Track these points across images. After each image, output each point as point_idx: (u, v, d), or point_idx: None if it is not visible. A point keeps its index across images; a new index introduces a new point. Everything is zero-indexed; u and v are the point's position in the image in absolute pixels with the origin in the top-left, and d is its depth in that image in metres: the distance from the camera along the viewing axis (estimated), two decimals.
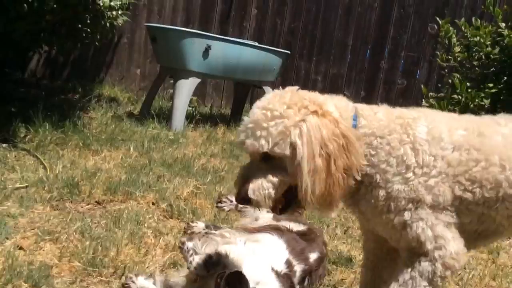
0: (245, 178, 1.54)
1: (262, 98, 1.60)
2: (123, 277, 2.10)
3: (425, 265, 1.55)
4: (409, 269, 1.58)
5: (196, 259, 1.92)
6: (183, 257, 2.06)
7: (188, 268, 1.95)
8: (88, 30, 4.55)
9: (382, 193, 1.54)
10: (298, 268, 2.12)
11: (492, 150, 1.57)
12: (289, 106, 1.51)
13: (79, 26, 4.46)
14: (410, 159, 1.53)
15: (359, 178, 1.53)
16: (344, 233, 3.04)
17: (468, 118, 1.71)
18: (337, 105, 1.60)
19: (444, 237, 1.54)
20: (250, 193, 1.51)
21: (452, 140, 1.57)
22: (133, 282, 2.04)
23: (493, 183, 1.55)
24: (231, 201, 2.76)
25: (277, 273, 1.94)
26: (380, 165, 1.55)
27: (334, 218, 3.21)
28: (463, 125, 1.62)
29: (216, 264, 1.92)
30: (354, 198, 1.63)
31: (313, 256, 2.22)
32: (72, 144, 3.75)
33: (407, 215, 1.53)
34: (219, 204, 2.76)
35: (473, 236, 1.64)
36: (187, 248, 1.98)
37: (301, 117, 1.49)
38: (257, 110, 1.53)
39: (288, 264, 2.07)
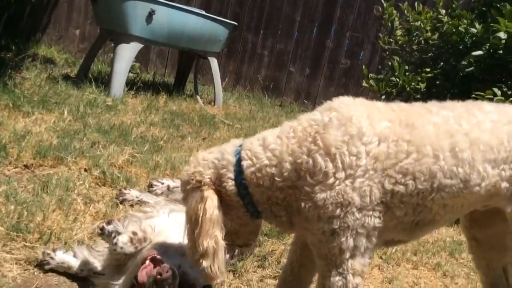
0: None
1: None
2: (40, 253, 2.01)
3: (335, 280, 1.57)
4: (322, 285, 1.61)
5: (121, 239, 1.86)
6: (106, 242, 1.97)
7: (114, 250, 1.87)
8: None
9: (308, 204, 1.51)
10: None
11: (423, 140, 1.53)
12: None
13: None
14: (326, 166, 1.48)
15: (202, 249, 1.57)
16: None
17: (396, 107, 1.65)
18: (220, 159, 1.61)
19: (359, 248, 1.55)
20: None
21: (375, 132, 1.52)
22: (52, 258, 1.96)
23: (427, 174, 1.53)
24: (162, 183, 2.73)
25: None
26: (293, 184, 1.53)
27: None
28: (388, 116, 1.57)
29: (143, 240, 1.89)
30: (287, 213, 1.61)
31: None
32: (1, 104, 3.54)
33: (336, 223, 1.50)
34: (151, 189, 2.72)
35: (410, 226, 1.64)
36: (108, 231, 1.89)
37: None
38: None
39: None
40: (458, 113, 1.64)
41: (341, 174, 1.48)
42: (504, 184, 1.64)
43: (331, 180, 1.48)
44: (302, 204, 1.53)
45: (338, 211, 1.49)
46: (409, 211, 1.58)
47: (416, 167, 1.52)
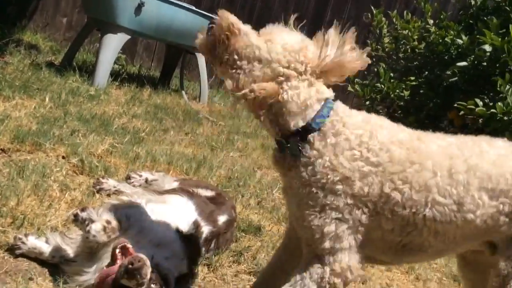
0: None
1: None
2: (12, 238, 1.96)
3: (315, 266, 1.59)
4: (302, 270, 1.62)
5: (94, 227, 1.82)
6: (79, 229, 1.94)
7: (87, 238, 1.84)
8: None
9: (319, 162, 1.56)
10: (206, 229, 2.12)
11: (427, 155, 1.61)
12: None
13: None
14: (354, 148, 1.59)
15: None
16: (258, 204, 3.09)
17: (410, 130, 1.74)
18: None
19: (342, 240, 1.57)
20: None
21: (392, 141, 1.61)
22: (23, 242, 1.91)
23: (423, 186, 1.58)
24: (140, 176, 2.70)
25: (181, 234, 1.92)
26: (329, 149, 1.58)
27: (249, 189, 3.24)
28: (406, 130, 1.69)
29: (116, 229, 1.86)
30: (290, 173, 1.63)
31: (222, 219, 2.23)
32: None
33: (329, 198, 1.54)
34: (128, 181, 2.69)
35: (396, 247, 1.65)
36: (82, 218, 1.85)
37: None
38: None
39: (196, 225, 2.06)
40: (464, 141, 1.70)
41: (366, 152, 1.58)
42: (503, 218, 1.63)
43: (354, 152, 1.57)
44: (315, 163, 1.56)
45: (339, 185, 1.55)
46: (396, 228, 1.60)
47: (414, 177, 1.58)
